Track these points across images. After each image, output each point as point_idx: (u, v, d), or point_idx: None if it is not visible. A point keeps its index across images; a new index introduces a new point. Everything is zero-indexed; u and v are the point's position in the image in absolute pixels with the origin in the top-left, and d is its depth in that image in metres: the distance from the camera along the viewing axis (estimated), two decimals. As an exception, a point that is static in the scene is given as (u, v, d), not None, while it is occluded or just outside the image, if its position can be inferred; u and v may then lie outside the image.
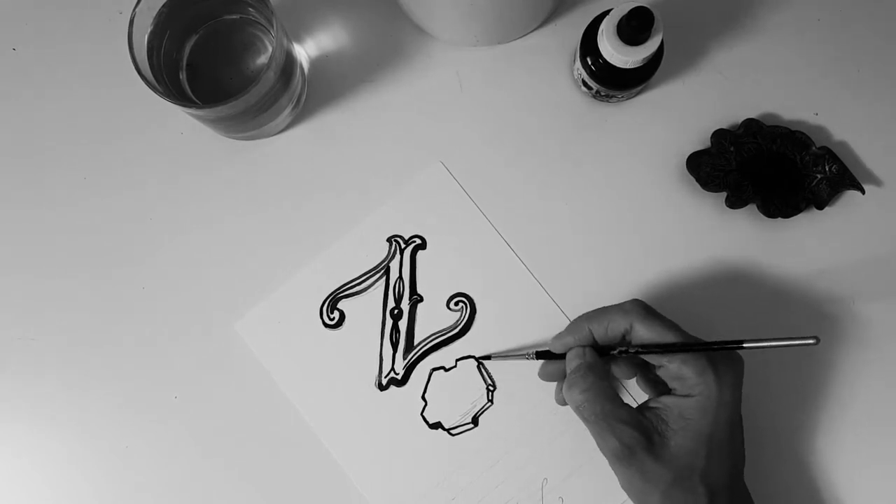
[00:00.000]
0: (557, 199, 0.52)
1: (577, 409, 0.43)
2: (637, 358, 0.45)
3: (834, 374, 0.51)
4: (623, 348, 0.44)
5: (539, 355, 0.47)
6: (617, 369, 0.47)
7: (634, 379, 0.49)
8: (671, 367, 0.42)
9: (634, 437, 0.41)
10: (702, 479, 0.41)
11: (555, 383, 0.49)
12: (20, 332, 0.52)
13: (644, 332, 0.43)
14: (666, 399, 0.43)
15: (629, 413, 0.42)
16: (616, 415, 0.42)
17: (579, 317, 0.46)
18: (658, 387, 0.47)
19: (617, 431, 0.41)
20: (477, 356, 0.51)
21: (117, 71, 0.52)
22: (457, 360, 0.51)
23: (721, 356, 0.42)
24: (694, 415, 0.41)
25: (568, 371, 0.44)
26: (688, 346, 0.42)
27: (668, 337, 0.42)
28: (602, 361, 0.44)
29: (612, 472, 0.43)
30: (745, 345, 0.41)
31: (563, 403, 0.48)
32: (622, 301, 0.45)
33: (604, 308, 0.45)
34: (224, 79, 0.49)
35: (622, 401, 0.43)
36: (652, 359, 0.43)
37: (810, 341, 0.38)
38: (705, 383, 0.41)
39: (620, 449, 0.41)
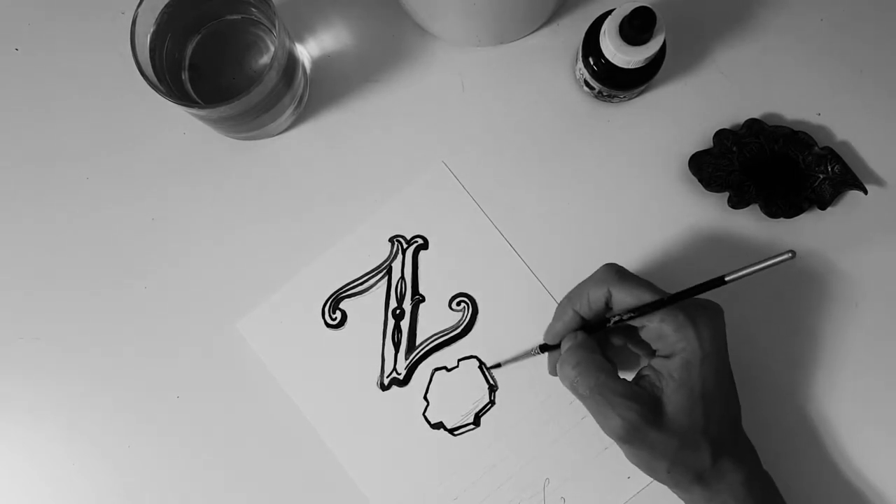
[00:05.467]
0: (559, 198, 0.52)
1: (573, 387, 0.43)
2: (620, 327, 0.45)
3: (835, 373, 0.51)
4: (613, 316, 0.43)
5: (543, 348, 0.48)
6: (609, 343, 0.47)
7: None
8: (651, 328, 0.42)
9: (634, 410, 0.41)
10: (704, 435, 0.41)
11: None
12: (22, 332, 0.52)
13: (621, 297, 0.43)
14: (654, 362, 0.42)
15: (624, 385, 0.42)
16: (611, 387, 0.42)
17: (561, 301, 0.46)
18: (646, 349, 0.46)
19: (616, 407, 0.41)
20: (488, 364, 0.51)
21: (120, 71, 0.52)
22: (459, 360, 0.51)
23: (698, 309, 0.42)
24: (682, 373, 0.41)
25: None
26: (673, 297, 0.41)
27: (645, 297, 0.42)
28: (592, 339, 0.44)
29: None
30: (727, 279, 0.40)
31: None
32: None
33: (580, 284, 0.45)
34: (226, 79, 0.49)
35: (616, 373, 0.43)
36: (634, 322, 0.43)
37: (786, 256, 0.38)
38: (686, 339, 0.41)
39: (624, 428, 0.41)
